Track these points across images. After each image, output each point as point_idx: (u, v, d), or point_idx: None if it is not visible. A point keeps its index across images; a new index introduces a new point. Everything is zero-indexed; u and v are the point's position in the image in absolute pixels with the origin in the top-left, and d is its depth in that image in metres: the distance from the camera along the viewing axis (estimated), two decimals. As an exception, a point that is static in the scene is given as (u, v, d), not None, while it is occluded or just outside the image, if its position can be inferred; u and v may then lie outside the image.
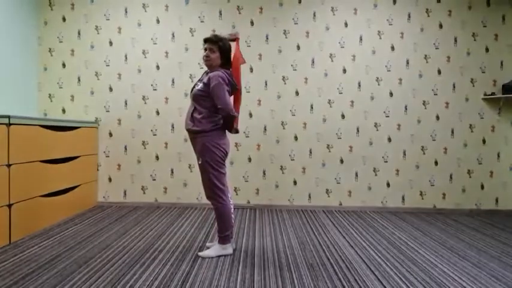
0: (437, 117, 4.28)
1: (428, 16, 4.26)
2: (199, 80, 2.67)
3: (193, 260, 2.58)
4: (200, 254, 2.67)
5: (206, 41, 2.63)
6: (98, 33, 4.32)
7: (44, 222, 3.33)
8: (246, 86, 4.28)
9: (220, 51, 2.61)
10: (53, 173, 3.45)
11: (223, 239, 2.69)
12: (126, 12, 4.31)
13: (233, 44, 2.73)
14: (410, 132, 4.28)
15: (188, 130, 2.63)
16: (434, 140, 4.29)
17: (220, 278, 2.29)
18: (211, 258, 2.64)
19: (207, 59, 2.62)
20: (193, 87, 2.65)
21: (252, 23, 4.29)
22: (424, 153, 4.29)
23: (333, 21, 4.29)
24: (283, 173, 4.33)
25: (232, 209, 2.73)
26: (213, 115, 2.56)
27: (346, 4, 4.28)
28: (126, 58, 4.32)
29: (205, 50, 2.63)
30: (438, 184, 4.30)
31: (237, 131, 2.71)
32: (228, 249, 2.71)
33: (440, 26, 4.26)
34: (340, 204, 4.33)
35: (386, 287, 2.20)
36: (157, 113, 4.32)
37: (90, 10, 4.31)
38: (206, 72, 2.70)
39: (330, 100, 4.30)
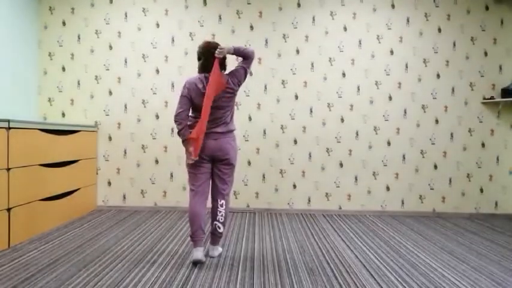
0: (437, 121, 4.28)
1: (427, 20, 4.28)
2: None
3: (192, 264, 2.57)
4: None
5: None
6: (98, 37, 4.33)
7: (43, 226, 3.33)
8: (246, 90, 4.28)
9: None
10: (52, 176, 3.45)
11: (192, 241, 2.63)
12: (126, 16, 4.32)
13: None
14: (409, 136, 4.29)
15: None
16: (434, 144, 4.29)
17: (219, 281, 2.29)
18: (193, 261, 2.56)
19: None
20: None
21: (251, 27, 4.31)
22: (423, 157, 4.30)
23: (332, 26, 4.31)
24: (282, 176, 4.33)
25: (218, 216, 2.69)
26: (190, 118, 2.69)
27: (345, 8, 4.29)
28: (125, 62, 4.33)
29: None
30: (437, 188, 4.30)
31: (191, 155, 2.55)
32: (193, 252, 2.57)
33: (439, 30, 4.28)
34: (340, 208, 4.33)
35: (386, 291, 2.20)
36: (157, 116, 4.33)
37: (90, 14, 4.32)
38: None
39: (329, 104, 4.31)
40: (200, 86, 2.56)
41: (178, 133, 2.60)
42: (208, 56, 2.58)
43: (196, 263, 2.56)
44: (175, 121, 2.58)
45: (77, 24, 4.33)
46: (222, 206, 2.71)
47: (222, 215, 2.70)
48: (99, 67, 4.33)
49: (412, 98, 4.29)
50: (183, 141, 2.62)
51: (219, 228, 2.69)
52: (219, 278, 2.34)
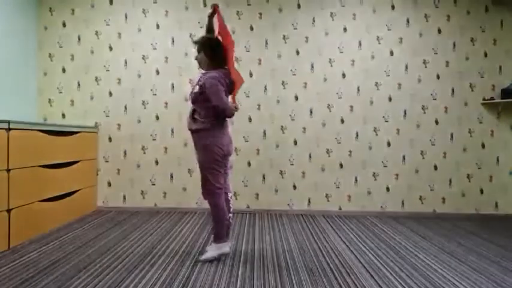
0: (437, 122, 4.29)
1: (427, 21, 4.28)
2: (197, 82, 2.71)
3: (193, 265, 2.57)
4: (201, 257, 2.67)
5: (194, 44, 2.76)
6: (98, 38, 4.33)
7: (43, 227, 3.32)
8: (246, 91, 4.29)
9: (204, 50, 2.69)
10: (52, 177, 3.44)
11: (219, 238, 2.71)
12: (126, 17, 4.32)
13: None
14: (409, 137, 4.29)
15: (190, 130, 2.70)
16: (434, 145, 4.29)
17: (219, 282, 2.29)
18: (212, 258, 2.66)
19: (196, 61, 2.77)
20: (192, 89, 2.72)
21: (251, 28, 4.31)
22: (423, 158, 4.30)
23: (332, 27, 4.31)
24: (282, 177, 4.33)
25: (231, 209, 2.81)
26: (210, 115, 2.62)
27: (345, 9, 4.30)
28: (125, 63, 4.33)
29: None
30: (438, 188, 4.30)
31: (236, 109, 2.68)
32: (225, 247, 2.73)
33: (439, 31, 4.28)
34: (340, 208, 4.32)
35: (386, 292, 2.20)
36: (157, 117, 4.33)
37: (90, 15, 4.32)
38: (203, 74, 2.73)
39: (329, 105, 4.31)
40: (227, 80, 2.66)
41: (232, 113, 2.62)
42: (222, 48, 2.70)
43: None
44: (230, 111, 2.59)
45: (77, 25, 4.33)
46: (231, 198, 2.85)
47: (231, 206, 2.84)
48: (99, 68, 4.33)
49: (412, 98, 4.29)
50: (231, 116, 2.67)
51: (232, 219, 2.82)
52: (219, 279, 2.34)
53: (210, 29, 2.86)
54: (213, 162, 2.62)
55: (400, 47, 4.29)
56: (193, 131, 2.68)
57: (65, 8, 4.32)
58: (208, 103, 2.59)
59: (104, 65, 4.33)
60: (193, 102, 2.68)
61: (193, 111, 2.68)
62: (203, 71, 2.75)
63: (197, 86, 2.66)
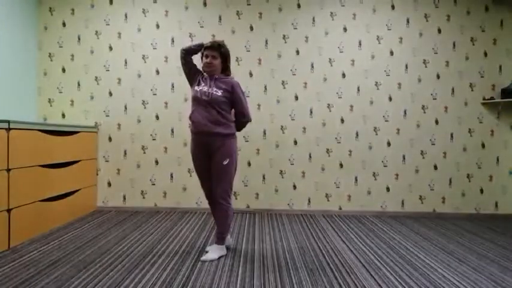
0: (437, 122, 4.28)
1: (427, 21, 4.28)
2: (213, 86, 2.67)
3: (192, 265, 2.57)
4: (203, 258, 2.67)
5: (207, 48, 2.71)
6: (98, 38, 4.33)
7: (43, 227, 3.32)
8: (246, 91, 4.28)
9: (221, 57, 2.73)
10: (52, 177, 3.44)
11: (223, 240, 2.81)
12: (126, 17, 4.32)
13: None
14: (409, 137, 4.29)
15: (211, 133, 2.63)
16: (434, 144, 4.29)
17: (219, 282, 2.29)
18: (215, 260, 2.68)
19: (210, 66, 2.69)
20: (208, 91, 2.64)
21: (251, 28, 4.31)
22: (423, 158, 4.30)
23: (332, 26, 4.31)
24: (282, 177, 4.33)
25: None
26: (232, 119, 2.76)
27: (345, 9, 4.30)
28: (126, 63, 4.33)
29: (207, 56, 2.69)
30: (438, 188, 4.30)
31: None
32: (225, 248, 2.84)
33: (439, 30, 4.28)
34: (340, 208, 4.32)
35: (386, 291, 2.20)
36: (157, 117, 4.33)
37: (90, 15, 4.32)
38: (214, 78, 2.71)
39: (329, 104, 4.31)
40: None
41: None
42: None
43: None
44: (250, 118, 2.85)
45: (77, 25, 4.33)
46: None
47: None
48: (99, 68, 4.33)
49: (412, 98, 4.29)
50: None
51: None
52: (220, 279, 2.34)
53: (193, 52, 2.78)
54: (235, 166, 2.77)
55: (400, 46, 4.29)
56: (218, 135, 2.64)
57: (65, 8, 4.32)
58: (230, 108, 2.73)
59: (104, 65, 4.33)
60: (211, 105, 2.62)
61: (219, 114, 2.64)
62: (215, 76, 2.72)
63: (219, 90, 2.64)
